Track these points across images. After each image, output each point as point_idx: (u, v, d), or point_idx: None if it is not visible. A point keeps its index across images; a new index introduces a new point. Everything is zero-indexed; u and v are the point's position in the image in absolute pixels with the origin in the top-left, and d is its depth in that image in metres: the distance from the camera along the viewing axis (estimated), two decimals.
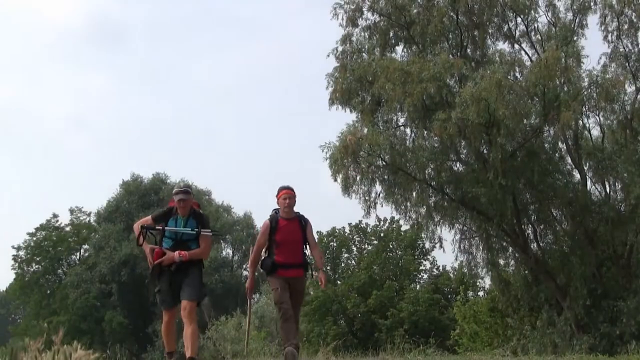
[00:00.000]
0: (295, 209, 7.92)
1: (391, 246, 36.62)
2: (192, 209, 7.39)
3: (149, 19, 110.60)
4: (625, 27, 20.09)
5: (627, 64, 20.03)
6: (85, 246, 48.80)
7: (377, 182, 20.30)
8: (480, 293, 32.08)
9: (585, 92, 19.05)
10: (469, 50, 20.96)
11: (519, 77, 19.77)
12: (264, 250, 7.89)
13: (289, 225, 7.76)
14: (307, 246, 7.90)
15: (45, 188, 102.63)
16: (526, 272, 21.57)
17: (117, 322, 43.03)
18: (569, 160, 20.96)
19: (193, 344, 7.06)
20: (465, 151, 20.56)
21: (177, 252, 7.13)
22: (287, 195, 7.78)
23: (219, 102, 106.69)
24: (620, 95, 19.37)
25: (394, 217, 34.27)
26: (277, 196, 7.91)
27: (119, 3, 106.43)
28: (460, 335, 26.52)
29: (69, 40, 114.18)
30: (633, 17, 19.96)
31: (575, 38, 20.29)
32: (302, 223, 7.85)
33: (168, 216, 7.41)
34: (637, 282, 19.57)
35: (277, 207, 7.94)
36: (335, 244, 37.41)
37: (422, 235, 29.45)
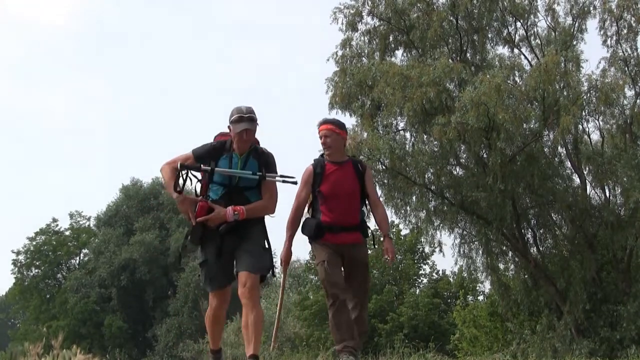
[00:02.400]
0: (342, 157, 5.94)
1: None
2: (252, 146, 5.14)
3: (148, 21, 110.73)
4: (625, 31, 20.13)
5: (626, 68, 20.05)
6: (85, 250, 48.82)
7: (377, 186, 20.29)
8: (480, 297, 32.06)
9: (585, 97, 19.07)
10: (468, 54, 20.99)
11: (518, 81, 19.79)
12: (306, 208, 5.89)
13: (339, 172, 5.79)
14: (367, 202, 5.97)
15: (44, 192, 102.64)
16: (526, 276, 21.55)
17: (117, 327, 42.99)
18: (569, 165, 20.99)
19: (256, 337, 4.84)
20: (464, 155, 20.58)
21: (230, 207, 4.89)
22: (325, 132, 5.85)
23: (218, 105, 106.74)
24: (619, 99, 19.40)
25: (393, 221, 34.18)
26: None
27: (118, 6, 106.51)
28: (460, 340, 26.49)
29: (68, 42, 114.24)
30: (632, 22, 19.99)
31: (574, 42, 20.35)
32: (358, 169, 5.89)
33: (218, 153, 5.11)
34: (637, 286, 19.57)
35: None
36: None
37: (422, 240, 29.51)
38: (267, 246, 5.13)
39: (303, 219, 5.84)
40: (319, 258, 5.74)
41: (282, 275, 6.31)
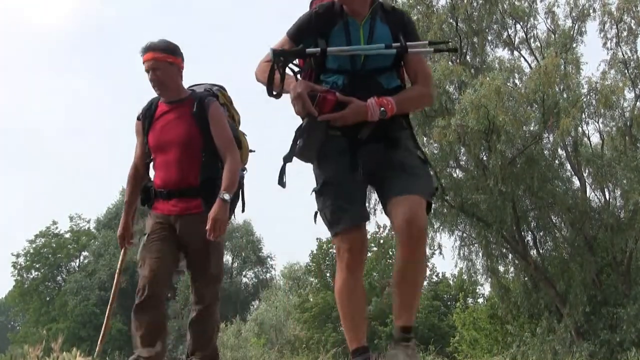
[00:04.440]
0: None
1: (391, 253, 36.58)
2: (374, 1, 3.33)
3: (148, 21, 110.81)
4: (625, 34, 20.14)
5: (626, 71, 20.07)
6: (85, 253, 48.76)
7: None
8: (480, 300, 32.11)
9: (585, 99, 19.10)
10: (468, 57, 21.00)
11: (518, 83, 19.82)
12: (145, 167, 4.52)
13: (169, 115, 4.32)
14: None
15: (44, 195, 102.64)
16: (526, 278, 21.55)
17: (117, 329, 42.93)
18: (569, 167, 21.01)
19: (414, 299, 3.13)
20: (464, 158, 20.58)
21: (373, 100, 3.10)
22: (151, 63, 4.26)
23: None
24: (619, 101, 19.42)
25: None
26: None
27: (114, 8, 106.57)
28: (460, 342, 26.50)
29: (68, 43, 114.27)
30: (632, 24, 20.01)
31: (574, 45, 20.38)
32: (197, 108, 4.28)
33: (326, 24, 3.27)
34: (637, 288, 19.57)
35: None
36: (335, 251, 37.40)
37: None
38: (425, 158, 3.32)
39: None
40: (145, 229, 4.44)
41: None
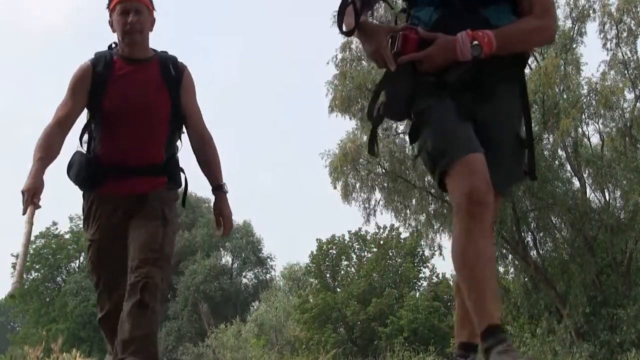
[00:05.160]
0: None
1: (391, 254, 36.58)
2: None
3: None
4: (624, 34, 20.13)
5: (626, 72, 20.06)
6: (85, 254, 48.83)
7: (377, 190, 20.36)
8: None
9: (585, 100, 19.11)
10: None
11: None
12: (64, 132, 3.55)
13: (135, 74, 3.56)
14: (184, 129, 3.68)
15: (44, 195, 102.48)
16: (526, 279, 21.55)
17: None
18: (569, 168, 21.00)
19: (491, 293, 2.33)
20: None
21: (464, 33, 2.36)
22: (134, 4, 3.52)
23: (217, 109, 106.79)
24: (619, 102, 19.43)
25: (393, 225, 34.29)
26: (109, 8, 3.63)
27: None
28: None
29: (67, 43, 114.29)
30: (632, 25, 20.00)
31: (574, 46, 20.35)
32: (169, 71, 3.61)
33: None
34: (637, 289, 19.57)
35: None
36: (334, 252, 37.38)
37: (422, 243, 29.49)
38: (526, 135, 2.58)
39: (72, 154, 3.62)
40: (91, 229, 3.60)
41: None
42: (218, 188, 3.68)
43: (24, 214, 3.32)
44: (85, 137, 3.67)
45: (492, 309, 2.27)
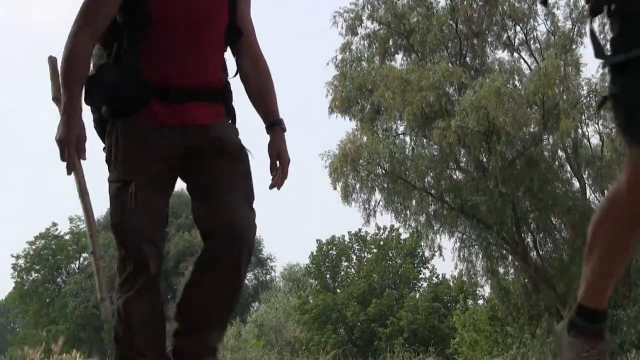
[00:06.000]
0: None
1: (391, 254, 36.59)
2: None
3: None
4: None
5: None
6: (85, 255, 48.72)
7: (377, 190, 20.34)
8: (480, 301, 32.04)
9: (585, 100, 19.12)
10: (468, 58, 21.01)
11: (518, 85, 19.82)
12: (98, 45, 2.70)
13: None
14: (237, 48, 2.85)
15: (44, 196, 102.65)
16: (526, 280, 21.54)
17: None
18: (569, 169, 21.01)
19: None
20: (464, 159, 20.58)
21: None
22: None
23: None
24: None
25: (393, 226, 34.29)
26: None
27: None
28: (460, 344, 26.47)
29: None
30: None
31: (574, 46, 20.37)
32: None
33: None
34: (637, 290, 19.56)
35: None
36: (334, 253, 37.38)
37: (422, 244, 29.46)
38: None
39: (94, 67, 2.69)
40: (120, 169, 2.66)
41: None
42: (277, 123, 2.89)
43: (69, 172, 2.56)
44: (114, 49, 2.70)
45: (607, 296, 2.24)
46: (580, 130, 20.42)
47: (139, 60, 2.64)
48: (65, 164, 2.54)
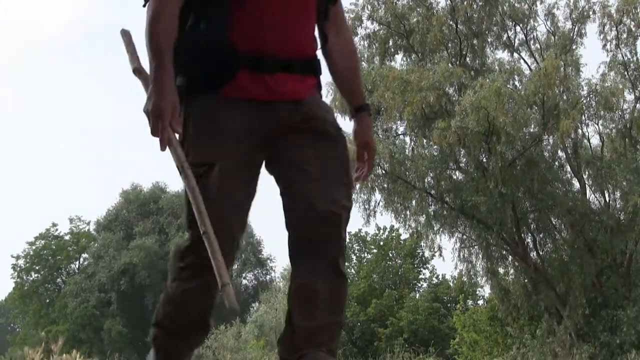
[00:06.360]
0: None
1: (391, 255, 36.59)
2: None
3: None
4: (624, 36, 20.15)
5: (626, 73, 20.08)
6: (85, 255, 48.75)
7: (377, 191, 20.35)
8: (480, 302, 32.05)
9: (585, 101, 19.12)
10: (468, 59, 21.02)
11: (518, 85, 19.82)
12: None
13: None
14: (325, 19, 2.47)
15: (44, 197, 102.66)
16: (526, 280, 21.54)
17: (117, 331, 42.92)
18: (569, 169, 21.02)
19: None
20: (464, 160, 20.58)
21: None
22: None
23: None
24: (619, 103, 19.45)
25: (393, 226, 34.33)
26: None
27: (115, 12, 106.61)
28: (460, 344, 26.48)
29: (66, 45, 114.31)
30: (632, 26, 20.02)
31: (574, 47, 20.39)
32: None
33: None
34: (637, 291, 19.56)
35: None
36: None
37: (422, 244, 29.49)
38: None
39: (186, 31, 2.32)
40: (200, 150, 2.26)
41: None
42: (364, 108, 2.64)
43: (163, 148, 2.17)
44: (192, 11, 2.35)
45: None
46: (580, 131, 20.44)
47: (225, 25, 2.29)
48: (158, 139, 2.18)
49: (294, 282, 2.29)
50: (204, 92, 2.28)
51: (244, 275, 46.82)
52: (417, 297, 34.87)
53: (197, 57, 2.27)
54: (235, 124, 2.26)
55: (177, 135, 2.21)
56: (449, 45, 20.76)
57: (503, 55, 21.41)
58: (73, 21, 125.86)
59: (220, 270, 2.03)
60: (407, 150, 20.38)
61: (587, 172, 20.76)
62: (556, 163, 20.79)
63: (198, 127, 2.28)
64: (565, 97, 18.87)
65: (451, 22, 20.51)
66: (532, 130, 19.54)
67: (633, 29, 20.04)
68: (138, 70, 2.46)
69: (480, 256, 21.64)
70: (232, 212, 2.24)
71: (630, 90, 19.93)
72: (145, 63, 2.34)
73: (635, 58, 20.21)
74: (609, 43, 20.24)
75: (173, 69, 2.23)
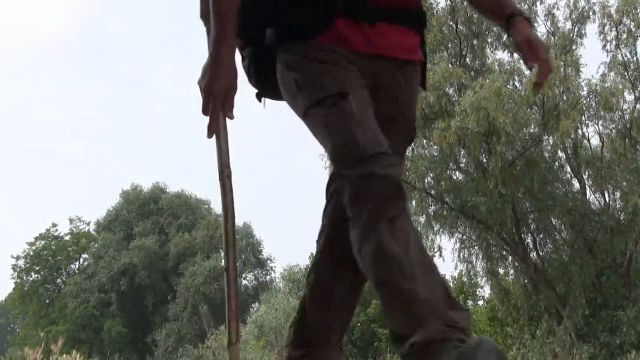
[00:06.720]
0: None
1: None
2: None
3: (149, 24, 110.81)
4: (624, 36, 20.16)
5: (625, 73, 20.09)
6: (85, 255, 48.75)
7: None
8: (480, 302, 32.04)
9: (585, 101, 19.13)
10: (468, 59, 21.02)
11: (518, 86, 19.83)
12: None
13: None
14: None
15: (44, 197, 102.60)
16: (526, 281, 21.55)
17: (116, 332, 42.93)
18: (568, 169, 21.03)
19: None
20: (464, 160, 20.59)
21: None
22: None
23: None
24: (619, 104, 19.47)
25: None
26: None
27: (115, 13, 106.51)
28: None
29: (66, 45, 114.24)
30: (631, 27, 20.03)
31: (574, 47, 20.39)
32: None
33: None
34: (637, 291, 19.56)
35: None
36: None
37: None
38: None
39: None
40: (321, 83, 1.89)
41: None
42: (517, 14, 2.24)
43: (210, 135, 2.01)
44: None
45: None
46: (580, 131, 20.45)
47: None
48: (207, 120, 1.98)
49: None
50: (300, 39, 1.96)
51: (243, 275, 46.80)
52: None
53: (290, 2, 1.98)
54: (345, 63, 1.92)
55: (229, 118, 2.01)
56: (449, 45, 20.77)
57: (503, 55, 21.42)
58: (73, 21, 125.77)
59: (231, 326, 1.91)
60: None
61: (587, 173, 20.77)
62: (556, 163, 20.79)
63: (308, 67, 1.93)
64: (565, 98, 18.88)
65: (451, 22, 20.51)
66: (532, 130, 19.55)
67: (633, 30, 20.05)
68: (205, 17, 2.21)
69: (480, 256, 21.65)
70: (379, 134, 1.84)
71: (630, 91, 19.94)
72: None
73: (635, 58, 20.22)
74: (609, 43, 20.28)
75: (252, 23, 2.00)
